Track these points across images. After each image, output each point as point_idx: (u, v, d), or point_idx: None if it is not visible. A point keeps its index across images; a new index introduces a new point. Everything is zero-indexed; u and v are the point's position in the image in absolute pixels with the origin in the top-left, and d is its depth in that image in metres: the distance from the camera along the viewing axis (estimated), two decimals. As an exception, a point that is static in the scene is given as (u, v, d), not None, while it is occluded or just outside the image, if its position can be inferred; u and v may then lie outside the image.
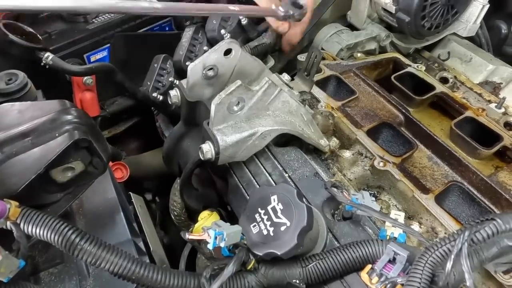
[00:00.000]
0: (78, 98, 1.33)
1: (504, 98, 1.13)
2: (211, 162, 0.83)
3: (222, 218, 0.95)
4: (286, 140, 0.95)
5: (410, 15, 1.21)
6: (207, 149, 0.81)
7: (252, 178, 0.88)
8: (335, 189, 0.76)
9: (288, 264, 0.66)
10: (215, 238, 0.60)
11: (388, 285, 0.60)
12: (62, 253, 0.74)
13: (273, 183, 0.85)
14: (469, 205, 0.93)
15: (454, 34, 1.38)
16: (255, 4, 1.08)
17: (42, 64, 1.12)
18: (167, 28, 1.53)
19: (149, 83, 1.20)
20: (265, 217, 0.66)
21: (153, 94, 1.19)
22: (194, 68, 0.90)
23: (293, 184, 0.84)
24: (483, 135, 1.04)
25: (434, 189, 0.93)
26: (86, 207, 0.83)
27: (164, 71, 1.21)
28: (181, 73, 1.17)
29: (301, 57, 1.19)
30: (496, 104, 1.13)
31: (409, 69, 1.25)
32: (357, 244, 0.66)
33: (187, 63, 1.06)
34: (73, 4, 0.69)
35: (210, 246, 0.60)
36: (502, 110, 1.12)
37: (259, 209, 0.67)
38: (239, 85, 0.80)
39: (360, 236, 0.74)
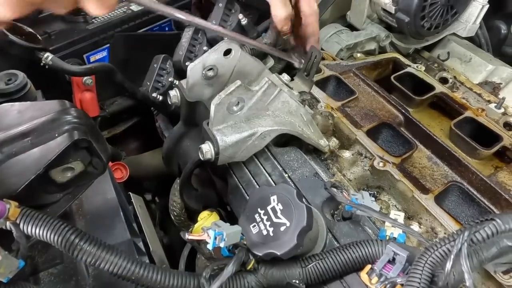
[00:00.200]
0: (77, 98, 1.33)
1: (503, 98, 1.13)
2: (210, 162, 0.83)
3: (221, 218, 0.95)
4: (285, 140, 0.95)
5: (410, 15, 1.21)
6: (207, 149, 0.81)
7: (252, 178, 0.88)
8: (334, 189, 0.76)
9: (288, 264, 0.66)
10: (215, 238, 0.60)
11: (388, 285, 0.60)
12: (62, 254, 0.74)
13: (272, 183, 0.85)
14: (469, 205, 0.93)
15: (454, 34, 1.38)
16: (255, 4, 1.07)
17: (41, 64, 1.12)
18: (167, 28, 1.53)
19: (148, 83, 1.20)
20: (264, 217, 0.66)
21: (153, 94, 1.18)
22: (194, 68, 0.90)
23: (292, 184, 0.84)
24: (482, 135, 1.04)
25: (434, 189, 0.93)
26: (85, 207, 0.83)
27: (164, 71, 1.21)
28: (181, 73, 1.17)
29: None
30: (495, 104, 1.13)
31: (408, 69, 1.25)
32: (357, 244, 0.66)
33: (186, 63, 1.06)
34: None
35: (209, 246, 0.60)
36: (502, 110, 1.12)
37: (259, 209, 0.67)
38: (238, 85, 0.80)
39: (360, 236, 0.74)
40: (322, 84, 1.18)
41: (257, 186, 0.86)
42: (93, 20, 1.38)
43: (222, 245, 0.61)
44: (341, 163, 0.97)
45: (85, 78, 1.28)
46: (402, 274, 0.60)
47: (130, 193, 1.18)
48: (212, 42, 1.17)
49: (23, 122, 0.64)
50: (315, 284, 0.67)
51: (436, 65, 1.37)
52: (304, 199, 0.66)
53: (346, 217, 0.77)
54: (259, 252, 0.64)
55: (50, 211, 0.68)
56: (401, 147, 1.05)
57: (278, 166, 0.89)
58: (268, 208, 0.67)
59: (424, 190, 0.91)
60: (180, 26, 1.52)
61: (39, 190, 0.65)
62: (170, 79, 1.19)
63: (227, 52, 0.90)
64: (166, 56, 1.22)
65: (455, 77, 1.30)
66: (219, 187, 1.02)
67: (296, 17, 1.05)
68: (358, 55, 1.35)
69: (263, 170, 0.89)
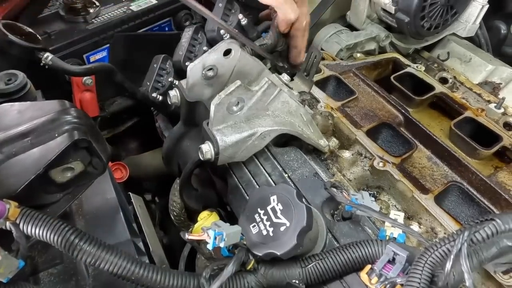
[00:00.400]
0: (77, 98, 1.32)
1: (503, 98, 1.13)
2: (210, 162, 0.83)
3: (221, 218, 0.95)
4: (285, 140, 0.95)
5: (410, 16, 1.21)
6: (207, 149, 0.81)
7: (252, 179, 0.88)
8: (334, 189, 0.76)
9: (288, 264, 0.66)
10: (215, 238, 0.60)
11: (388, 285, 0.60)
12: (62, 254, 0.74)
13: (272, 183, 0.85)
14: (469, 205, 0.93)
15: (454, 34, 1.38)
16: (255, 4, 1.07)
17: (41, 64, 1.11)
18: (166, 28, 1.53)
19: (148, 83, 1.20)
20: (264, 218, 0.66)
21: (153, 94, 1.18)
22: (194, 68, 0.90)
23: (292, 185, 0.84)
24: (482, 135, 1.04)
25: (434, 189, 0.93)
26: (85, 208, 0.83)
27: (164, 71, 1.21)
28: (180, 73, 1.17)
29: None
30: (495, 104, 1.13)
31: (408, 69, 1.25)
32: (357, 244, 0.66)
33: (186, 63, 1.06)
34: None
35: (209, 246, 0.60)
36: (502, 110, 1.12)
37: (259, 210, 0.67)
38: (238, 85, 0.80)
39: (360, 236, 0.74)
40: (322, 84, 1.18)
41: (257, 186, 0.86)
42: (93, 20, 1.38)
43: (222, 245, 0.61)
44: (341, 163, 0.97)
45: (85, 78, 1.28)
46: (402, 274, 0.60)
47: (130, 193, 1.17)
48: (212, 42, 1.17)
49: (23, 122, 0.64)
50: (315, 284, 0.67)
51: (436, 65, 1.37)
52: (304, 199, 0.66)
53: (346, 217, 0.77)
54: (259, 252, 0.64)
55: (50, 211, 0.68)
56: (401, 147, 1.05)
57: (278, 166, 0.89)
58: (268, 208, 0.67)
59: (424, 190, 0.91)
60: (180, 26, 1.52)
61: (39, 190, 0.65)
62: (170, 79, 1.19)
63: (227, 52, 0.90)
64: (166, 56, 1.22)
65: (455, 77, 1.30)
66: (219, 187, 1.02)
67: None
68: (358, 55, 1.35)
69: (263, 170, 0.89)
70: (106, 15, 1.40)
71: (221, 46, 0.89)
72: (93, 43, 1.35)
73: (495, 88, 1.28)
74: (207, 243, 0.61)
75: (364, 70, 1.28)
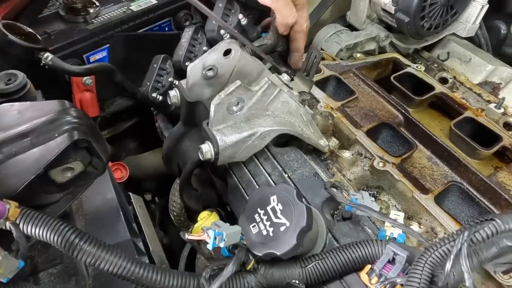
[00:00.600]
0: (77, 99, 1.32)
1: (503, 99, 1.13)
2: (210, 162, 0.83)
3: (221, 218, 0.94)
4: (285, 140, 0.95)
5: (410, 16, 1.21)
6: (207, 149, 0.81)
7: (252, 179, 0.88)
8: (334, 190, 0.76)
9: (288, 264, 0.66)
10: (215, 238, 0.60)
11: (388, 285, 0.60)
12: (62, 254, 0.74)
13: (272, 183, 0.85)
14: (469, 205, 0.93)
15: (454, 34, 1.38)
16: (255, 4, 1.07)
17: (41, 64, 1.11)
18: (166, 29, 1.53)
19: (148, 84, 1.20)
20: (264, 218, 0.66)
21: (153, 95, 1.18)
22: (194, 68, 0.90)
23: (292, 185, 0.84)
24: (482, 135, 1.04)
25: (434, 189, 0.93)
26: (85, 208, 0.83)
27: (164, 71, 1.21)
28: (180, 73, 1.17)
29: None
30: (495, 104, 1.13)
31: (408, 69, 1.25)
32: (357, 244, 0.66)
33: (186, 64, 1.06)
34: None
35: (209, 247, 0.60)
36: (502, 110, 1.12)
37: (259, 210, 0.67)
38: (238, 85, 0.80)
39: (360, 236, 0.74)
40: (322, 84, 1.18)
41: (257, 186, 0.86)
42: (93, 20, 1.38)
43: (222, 245, 0.61)
44: (341, 163, 0.97)
45: (85, 78, 1.28)
46: (402, 274, 0.60)
47: (130, 193, 1.17)
48: (212, 42, 1.17)
49: (23, 122, 0.64)
50: (315, 284, 0.67)
51: (436, 65, 1.37)
52: (304, 199, 0.66)
53: (346, 217, 0.77)
54: (259, 252, 0.64)
55: (50, 211, 0.68)
56: (401, 147, 1.05)
57: (278, 166, 0.89)
58: (268, 208, 0.67)
59: (424, 190, 0.91)
60: (179, 26, 1.52)
61: (39, 190, 0.65)
62: (170, 79, 1.19)
63: (227, 52, 0.90)
64: (166, 56, 1.22)
65: (455, 77, 1.30)
66: (219, 187, 1.02)
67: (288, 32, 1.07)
68: (358, 55, 1.35)
69: (263, 170, 0.89)
70: (106, 15, 1.40)
71: (221, 46, 0.89)
72: (93, 43, 1.35)
73: (495, 88, 1.28)
74: (207, 243, 0.61)
75: (364, 70, 1.28)
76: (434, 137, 1.03)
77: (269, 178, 0.87)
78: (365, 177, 0.96)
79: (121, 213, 0.83)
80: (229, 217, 0.99)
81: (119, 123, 1.56)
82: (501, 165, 1.02)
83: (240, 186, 0.89)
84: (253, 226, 0.67)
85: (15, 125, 0.63)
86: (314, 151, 0.98)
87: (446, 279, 0.56)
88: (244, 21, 1.15)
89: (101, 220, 0.81)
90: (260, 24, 1.22)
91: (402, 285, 0.58)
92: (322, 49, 1.36)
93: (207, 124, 0.83)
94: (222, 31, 1.16)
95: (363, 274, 0.63)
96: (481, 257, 0.58)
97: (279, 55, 1.16)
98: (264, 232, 0.65)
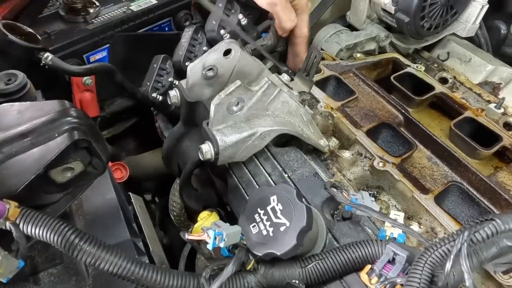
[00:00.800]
0: (77, 99, 1.32)
1: (503, 99, 1.13)
2: (210, 162, 0.83)
3: (221, 218, 0.95)
4: (285, 140, 0.95)
5: (410, 16, 1.21)
6: (207, 149, 0.81)
7: (252, 179, 0.88)
8: (334, 190, 0.76)
9: (288, 264, 0.66)
10: (215, 238, 0.60)
11: (388, 285, 0.60)
12: (62, 254, 0.74)
13: (272, 183, 0.85)
14: (469, 205, 0.93)
15: (454, 34, 1.38)
16: (255, 4, 1.08)
17: (41, 64, 1.11)
18: (166, 29, 1.53)
19: (148, 84, 1.20)
20: (264, 218, 0.66)
21: (153, 95, 1.18)
22: (194, 68, 0.90)
23: (292, 185, 0.84)
24: (482, 135, 1.04)
25: (434, 189, 0.93)
26: (85, 208, 0.83)
27: (164, 71, 1.21)
28: (180, 73, 1.17)
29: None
30: (495, 104, 1.13)
31: (408, 69, 1.25)
32: (357, 244, 0.66)
33: (186, 64, 1.06)
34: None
35: (209, 247, 0.60)
36: (502, 110, 1.12)
37: (259, 210, 0.67)
38: (238, 85, 0.80)
39: (360, 236, 0.74)
40: (322, 84, 1.18)
41: (257, 186, 0.86)
42: (93, 20, 1.38)
43: (222, 245, 0.61)
44: (341, 163, 0.97)
45: (85, 78, 1.28)
46: (402, 274, 0.60)
47: (130, 193, 1.17)
48: (212, 42, 1.17)
49: (22, 122, 0.64)
50: (315, 284, 0.67)
51: (436, 65, 1.37)
52: (304, 199, 0.66)
53: (346, 217, 0.77)
54: (259, 252, 0.64)
55: (50, 211, 0.68)
56: (401, 147, 1.05)
57: (278, 166, 0.89)
58: (268, 208, 0.67)
59: (424, 190, 0.91)
60: (179, 26, 1.52)
61: (39, 190, 0.65)
62: (170, 79, 1.19)
63: (227, 52, 0.90)
64: (166, 56, 1.22)
65: (455, 77, 1.30)
66: (219, 187, 1.02)
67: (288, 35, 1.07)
68: (358, 55, 1.35)
69: (263, 170, 0.89)
70: (106, 15, 1.40)
71: (221, 46, 0.89)
72: (93, 43, 1.34)
73: (495, 88, 1.28)
74: (207, 243, 0.61)
75: (364, 70, 1.28)
76: (434, 137, 1.03)
77: (269, 178, 0.87)
78: (365, 177, 0.96)
79: (121, 213, 0.83)
80: (229, 217, 0.99)
81: (119, 123, 1.56)
82: (501, 165, 1.02)
83: (240, 186, 0.89)
84: (253, 226, 0.67)
85: (15, 125, 0.63)
86: (314, 151, 0.98)
87: (446, 279, 0.56)
88: (244, 21, 1.15)
89: (101, 220, 0.81)
90: (260, 25, 1.22)
91: (402, 285, 0.58)
92: (322, 49, 1.36)
93: (207, 124, 0.83)
94: (222, 31, 1.16)
95: (363, 274, 0.63)
96: (481, 257, 0.58)
97: (279, 55, 1.16)
98: (264, 232, 0.65)
